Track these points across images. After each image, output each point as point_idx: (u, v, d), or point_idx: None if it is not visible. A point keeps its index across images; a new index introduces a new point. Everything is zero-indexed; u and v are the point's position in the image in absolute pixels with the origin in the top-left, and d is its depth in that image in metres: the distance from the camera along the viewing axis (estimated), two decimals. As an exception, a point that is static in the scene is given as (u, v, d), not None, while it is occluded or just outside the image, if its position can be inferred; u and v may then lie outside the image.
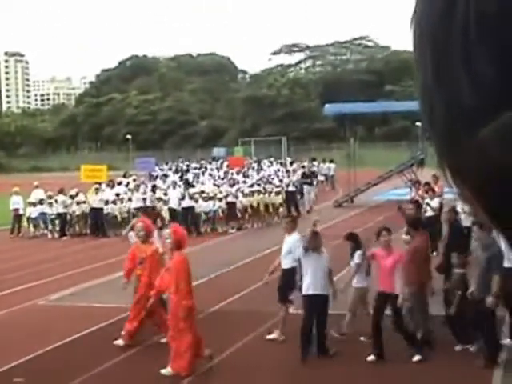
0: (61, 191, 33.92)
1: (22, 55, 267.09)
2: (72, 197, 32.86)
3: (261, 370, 11.53)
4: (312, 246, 12.26)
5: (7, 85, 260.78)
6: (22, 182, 40.16)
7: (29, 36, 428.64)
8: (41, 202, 32.35)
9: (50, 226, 31.89)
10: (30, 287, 18.35)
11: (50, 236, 31.19)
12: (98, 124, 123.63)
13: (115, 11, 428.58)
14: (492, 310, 11.57)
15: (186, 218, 29.95)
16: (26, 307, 16.25)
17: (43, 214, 31.99)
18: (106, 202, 31.62)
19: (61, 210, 31.86)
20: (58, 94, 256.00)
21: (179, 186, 35.13)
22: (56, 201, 32.19)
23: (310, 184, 38.71)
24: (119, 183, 36.65)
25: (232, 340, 12.92)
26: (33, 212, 32.19)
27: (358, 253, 12.93)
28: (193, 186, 35.92)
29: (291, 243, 13.29)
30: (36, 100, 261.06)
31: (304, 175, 39.98)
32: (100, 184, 34.59)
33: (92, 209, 31.49)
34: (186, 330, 11.16)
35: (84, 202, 32.14)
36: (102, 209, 31.33)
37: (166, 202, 31.34)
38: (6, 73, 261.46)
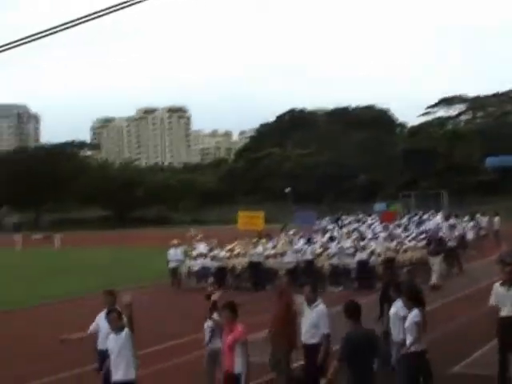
0: (220, 245, 34.40)
1: (185, 111, 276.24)
2: (231, 250, 33.16)
3: None
4: None
5: (170, 140, 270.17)
6: (182, 235, 40.93)
7: (191, 89, 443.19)
8: (202, 255, 32.80)
9: (210, 279, 32.10)
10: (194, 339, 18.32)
11: (209, 289, 31.33)
12: (257, 178, 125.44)
13: (273, 65, 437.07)
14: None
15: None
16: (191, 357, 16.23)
17: (203, 267, 32.35)
18: (268, 256, 31.71)
19: (220, 263, 32.15)
20: (219, 148, 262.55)
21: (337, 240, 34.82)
22: (216, 255, 32.55)
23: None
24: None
25: None
26: (194, 265, 32.64)
27: None
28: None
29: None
30: (197, 154, 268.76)
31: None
32: (259, 238, 34.77)
33: (251, 262, 31.56)
34: None
35: (243, 255, 32.27)
36: (260, 263, 31.36)
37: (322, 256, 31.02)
38: (169, 128, 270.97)
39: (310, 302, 12.59)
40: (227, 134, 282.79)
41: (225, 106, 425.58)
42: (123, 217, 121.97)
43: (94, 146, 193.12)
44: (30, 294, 31.32)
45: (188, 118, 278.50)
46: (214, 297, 11.66)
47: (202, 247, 34.69)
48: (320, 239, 37.84)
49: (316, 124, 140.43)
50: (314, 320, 12.38)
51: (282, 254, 32.07)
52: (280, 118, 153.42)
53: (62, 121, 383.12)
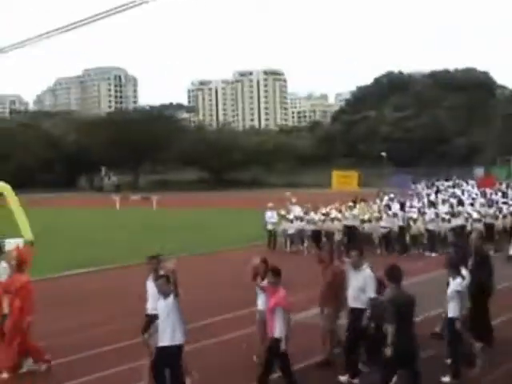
0: (316, 208, 34.50)
1: (281, 73, 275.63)
2: (326, 214, 33.19)
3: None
4: None
5: (265, 103, 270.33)
6: (278, 198, 41.12)
7: (288, 53, 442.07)
8: (298, 218, 32.98)
9: (306, 243, 32.34)
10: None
11: (305, 253, 31.52)
12: (353, 141, 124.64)
13: (370, 27, 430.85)
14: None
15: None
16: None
17: (300, 230, 32.53)
18: (364, 220, 31.64)
19: (315, 226, 32.26)
20: (314, 111, 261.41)
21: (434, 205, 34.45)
22: (311, 218, 32.68)
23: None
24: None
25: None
26: (290, 228, 32.84)
27: None
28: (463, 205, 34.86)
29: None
30: (293, 117, 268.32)
31: None
32: (354, 202, 34.71)
33: (346, 226, 31.55)
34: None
35: (338, 219, 32.25)
36: (355, 227, 31.33)
37: (416, 222, 30.77)
38: (265, 91, 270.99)
39: (357, 266, 12.63)
40: (323, 97, 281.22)
41: (321, 69, 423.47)
42: (219, 179, 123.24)
43: (191, 108, 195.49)
44: (126, 251, 31.96)
45: (284, 81, 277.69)
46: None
47: (297, 210, 34.86)
48: (416, 204, 37.57)
49: (414, 87, 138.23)
50: (360, 284, 12.37)
51: (378, 219, 31.94)
52: (377, 80, 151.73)
53: (160, 83, 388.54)
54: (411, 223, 31.16)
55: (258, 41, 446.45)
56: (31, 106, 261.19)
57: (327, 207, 35.24)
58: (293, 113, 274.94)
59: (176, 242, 35.17)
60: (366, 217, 32.13)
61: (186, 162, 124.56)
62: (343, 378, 12.20)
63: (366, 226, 31.43)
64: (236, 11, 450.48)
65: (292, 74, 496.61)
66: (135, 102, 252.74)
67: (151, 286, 12.32)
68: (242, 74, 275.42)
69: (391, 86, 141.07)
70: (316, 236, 32.11)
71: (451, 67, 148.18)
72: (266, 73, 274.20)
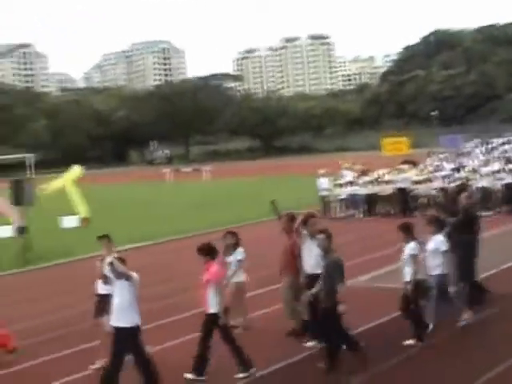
0: (366, 172, 34.45)
1: (326, 37, 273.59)
2: (378, 177, 33.18)
3: None
4: None
5: (313, 68, 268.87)
6: (329, 163, 41.01)
7: (334, 16, 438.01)
8: (349, 183, 33.01)
9: (359, 207, 32.39)
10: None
11: (359, 216, 31.60)
12: (402, 102, 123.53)
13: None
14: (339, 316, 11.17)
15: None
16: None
17: (352, 195, 32.57)
18: (416, 182, 31.53)
19: (368, 190, 32.27)
20: (361, 74, 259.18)
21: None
22: (363, 182, 32.69)
23: None
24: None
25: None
26: (342, 193, 32.89)
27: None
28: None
29: None
30: (340, 81, 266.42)
31: None
32: (408, 163, 34.58)
33: (398, 189, 31.48)
34: None
35: (389, 182, 32.20)
36: (407, 189, 31.26)
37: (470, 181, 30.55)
38: (312, 56, 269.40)
39: (314, 235, 12.43)
40: (370, 59, 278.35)
41: (367, 31, 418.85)
42: (269, 146, 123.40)
43: (238, 77, 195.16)
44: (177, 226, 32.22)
45: (330, 45, 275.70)
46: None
47: (349, 175, 34.82)
48: (468, 163, 37.28)
49: (462, 44, 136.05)
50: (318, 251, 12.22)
51: (430, 180, 31.79)
52: (424, 39, 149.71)
53: (206, 54, 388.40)
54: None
55: (301, 6, 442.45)
56: (80, 84, 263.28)
57: (378, 170, 35.16)
58: (341, 76, 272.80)
59: (232, 212, 35.45)
60: (418, 178, 32.01)
61: (235, 131, 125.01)
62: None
63: (419, 187, 31.33)
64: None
65: (338, 37, 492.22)
66: (182, 74, 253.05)
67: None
68: (288, 40, 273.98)
69: (439, 44, 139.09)
70: (369, 200, 32.17)
71: (500, 22, 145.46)
72: (311, 37, 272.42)
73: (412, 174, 33.46)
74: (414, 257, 12.28)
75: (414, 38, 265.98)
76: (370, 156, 52.16)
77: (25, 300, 18.65)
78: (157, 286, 18.20)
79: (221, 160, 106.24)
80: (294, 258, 13.10)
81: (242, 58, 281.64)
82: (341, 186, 33.18)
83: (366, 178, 33.36)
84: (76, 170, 39.05)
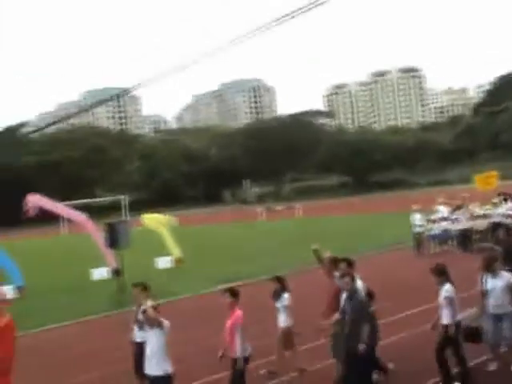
0: (459, 207, 33.85)
1: (417, 70, 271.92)
2: (472, 212, 32.60)
3: None
4: None
5: (404, 101, 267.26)
6: (423, 198, 40.51)
7: (424, 48, 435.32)
8: (443, 219, 32.51)
9: (453, 242, 31.88)
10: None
11: (453, 252, 31.05)
12: (496, 133, 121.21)
13: (503, 13, 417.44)
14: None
15: None
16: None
17: (446, 230, 32.07)
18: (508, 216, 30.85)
19: (462, 225, 31.72)
20: (453, 106, 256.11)
21: None
22: (457, 218, 32.15)
23: None
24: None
25: None
26: (435, 229, 32.41)
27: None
28: None
29: None
30: (432, 113, 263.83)
31: None
32: (502, 197, 33.84)
33: (493, 223, 30.82)
34: None
35: (484, 217, 31.58)
36: (502, 223, 30.55)
37: None
38: (403, 89, 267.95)
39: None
40: (463, 90, 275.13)
41: (458, 62, 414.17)
42: (361, 182, 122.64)
43: (328, 113, 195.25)
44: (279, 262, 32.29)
45: (421, 77, 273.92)
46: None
47: (443, 210, 34.27)
48: None
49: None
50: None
51: (524, 213, 31.09)
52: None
53: (296, 90, 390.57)
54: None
55: (390, 40, 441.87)
56: (172, 125, 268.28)
57: (471, 205, 34.50)
58: (433, 108, 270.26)
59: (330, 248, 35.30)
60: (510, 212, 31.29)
61: (328, 167, 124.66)
62: None
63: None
64: (361, 12, 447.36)
65: (429, 69, 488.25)
66: (273, 112, 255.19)
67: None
68: (378, 75, 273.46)
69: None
70: (463, 235, 31.60)
71: None
72: (402, 71, 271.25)
73: (508, 207, 32.72)
74: (450, 299, 12.33)
75: (507, 67, 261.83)
76: (463, 190, 51.21)
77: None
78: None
79: (312, 197, 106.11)
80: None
81: (332, 94, 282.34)
82: (434, 221, 32.71)
83: (460, 214, 32.82)
84: (171, 219, 40.80)
